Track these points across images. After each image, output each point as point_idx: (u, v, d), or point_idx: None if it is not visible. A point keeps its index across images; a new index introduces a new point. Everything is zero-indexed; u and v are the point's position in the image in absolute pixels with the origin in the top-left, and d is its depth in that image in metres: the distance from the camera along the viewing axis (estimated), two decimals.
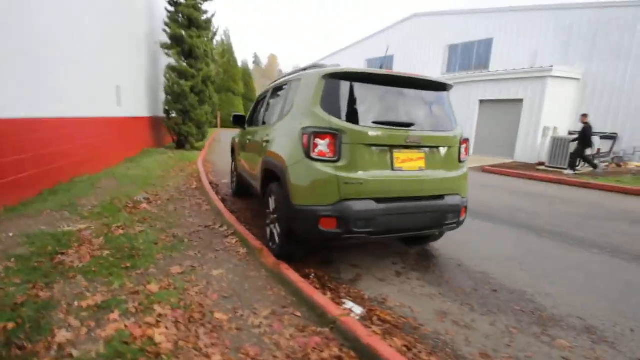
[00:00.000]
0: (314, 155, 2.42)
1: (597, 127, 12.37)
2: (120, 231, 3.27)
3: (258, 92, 37.94)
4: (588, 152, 9.56)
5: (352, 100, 2.51)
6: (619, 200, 6.32)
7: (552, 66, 11.98)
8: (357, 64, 23.32)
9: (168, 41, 9.37)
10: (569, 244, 3.78)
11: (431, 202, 2.70)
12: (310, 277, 2.70)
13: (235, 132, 6.02)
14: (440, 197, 2.77)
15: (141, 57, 8.61)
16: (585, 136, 9.16)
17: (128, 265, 2.54)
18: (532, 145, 12.19)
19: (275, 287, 2.44)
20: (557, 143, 10.46)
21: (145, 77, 8.94)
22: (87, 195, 4.34)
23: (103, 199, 4.31)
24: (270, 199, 3.07)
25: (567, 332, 2.15)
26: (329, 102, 2.52)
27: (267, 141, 3.19)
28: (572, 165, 9.38)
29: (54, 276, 2.30)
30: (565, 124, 12.76)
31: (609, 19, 12.37)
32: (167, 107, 9.60)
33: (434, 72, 18.58)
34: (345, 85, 2.53)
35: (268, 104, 3.83)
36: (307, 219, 2.45)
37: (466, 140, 2.94)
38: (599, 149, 11.01)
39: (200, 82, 9.65)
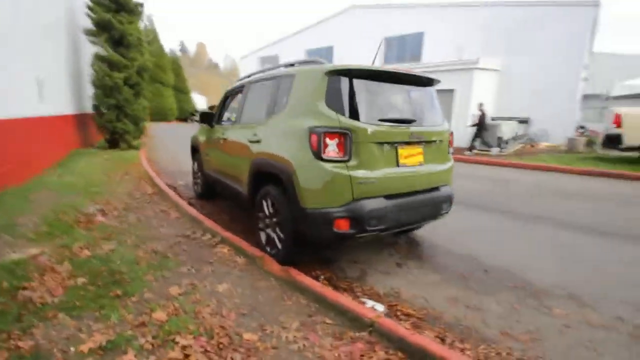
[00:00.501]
0: (325, 156, 2.34)
1: (513, 112, 14.21)
2: (86, 252, 2.80)
3: (190, 83, 35.35)
4: (487, 135, 11.20)
5: (357, 98, 2.46)
6: (548, 178, 7.35)
7: (478, 58, 13.30)
8: (297, 55, 23.09)
9: (93, 27, 8.14)
10: (524, 221, 4.28)
11: (430, 194, 2.82)
12: (320, 279, 2.64)
13: (174, 128, 5.53)
14: (437, 188, 2.91)
15: (61, 45, 7.34)
16: (481, 122, 10.89)
17: (118, 292, 2.19)
18: (464, 131, 13.50)
19: (292, 296, 2.33)
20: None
21: (68, 69, 7.68)
22: (23, 213, 3.61)
23: (45, 214, 3.63)
24: (265, 202, 2.90)
25: (557, 301, 2.45)
26: (334, 100, 2.44)
27: (256, 141, 2.99)
28: (471, 148, 11.08)
29: (28, 319, 1.87)
30: (489, 111, 14.35)
31: (523, 16, 14.12)
32: (96, 103, 8.40)
33: (374, 63, 19.27)
34: (349, 82, 2.47)
35: (244, 101, 3.58)
36: (320, 222, 2.37)
37: (452, 134, 3.11)
38: (516, 132, 12.66)
39: (135, 74, 8.61)
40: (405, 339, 1.78)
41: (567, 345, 1.97)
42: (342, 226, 2.37)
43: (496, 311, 2.32)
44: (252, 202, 3.18)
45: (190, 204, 4.58)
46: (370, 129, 2.42)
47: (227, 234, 3.28)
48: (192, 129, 11.59)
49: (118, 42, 8.28)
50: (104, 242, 3.07)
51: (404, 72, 2.67)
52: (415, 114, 2.78)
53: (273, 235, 2.85)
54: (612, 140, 7.98)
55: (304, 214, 2.41)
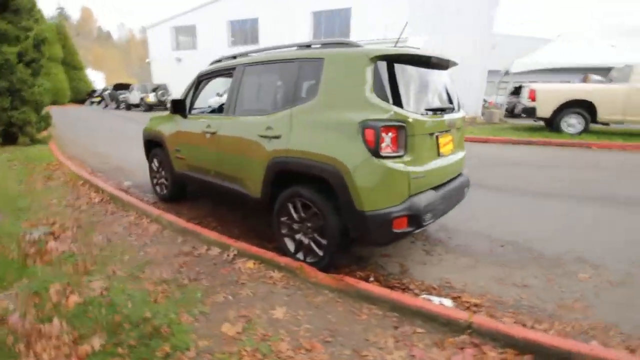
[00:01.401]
0: (383, 152, 2.12)
1: None
2: (75, 298, 2.11)
3: (81, 55, 29.57)
4: None
5: (404, 86, 2.26)
6: (485, 149, 8.23)
7: (407, 38, 13.91)
8: (218, 27, 21.10)
9: None
10: (491, 190, 4.71)
11: (459, 181, 2.84)
12: (370, 280, 2.49)
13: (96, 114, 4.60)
14: (461, 174, 2.95)
15: None
16: None
17: (166, 349, 1.69)
18: None
19: (362, 308, 2.13)
20: None
21: None
22: None
23: None
24: (291, 206, 2.57)
25: (575, 266, 2.74)
26: (383, 88, 2.20)
27: (275, 136, 2.57)
28: None
29: None
30: None
31: None
32: None
33: (302, 38, 18.70)
34: (396, 68, 2.24)
35: (239, 86, 3.04)
36: (381, 224, 2.19)
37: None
38: None
39: (32, 48, 6.73)
40: (514, 336, 1.77)
41: (615, 304, 2.20)
42: (401, 225, 2.23)
43: (538, 285, 2.49)
44: (267, 206, 2.80)
45: (163, 210, 3.87)
46: (423, 120, 2.27)
47: (241, 244, 2.85)
48: (97, 114, 9.89)
49: (2, 6, 6.29)
50: (87, 279, 2.37)
51: (441, 57, 2.54)
52: (448, 100, 2.71)
53: (307, 241, 2.56)
54: (528, 112, 9.28)
55: (363, 217, 2.18)
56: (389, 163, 2.14)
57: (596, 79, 9.74)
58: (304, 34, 19.20)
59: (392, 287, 2.43)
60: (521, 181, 5.22)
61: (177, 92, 21.84)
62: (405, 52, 2.26)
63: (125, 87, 22.18)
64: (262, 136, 2.68)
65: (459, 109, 2.97)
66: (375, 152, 2.11)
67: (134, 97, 19.76)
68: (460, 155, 2.91)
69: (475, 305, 2.23)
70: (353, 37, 17.79)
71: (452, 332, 1.91)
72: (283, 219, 2.70)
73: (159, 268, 2.59)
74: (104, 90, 24.12)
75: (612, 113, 8.37)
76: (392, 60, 2.23)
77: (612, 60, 10.91)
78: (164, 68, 23.99)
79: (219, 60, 3.53)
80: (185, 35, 23.17)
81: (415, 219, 2.26)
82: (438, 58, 2.52)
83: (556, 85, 9.56)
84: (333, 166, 2.22)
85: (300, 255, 2.64)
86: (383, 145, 2.11)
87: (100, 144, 8.40)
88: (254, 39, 20.75)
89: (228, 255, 2.77)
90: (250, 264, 2.64)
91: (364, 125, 2.12)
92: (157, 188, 4.44)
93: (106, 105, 22.70)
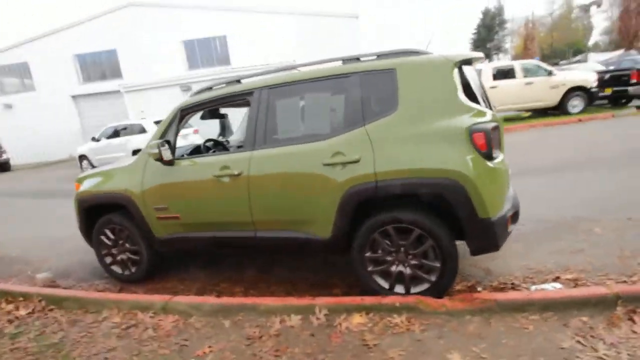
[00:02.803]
0: (494, 154, 2.08)
1: None
2: None
3: None
4: None
5: (474, 87, 2.29)
6: None
7: (294, 60, 14.53)
8: (62, 62, 17.41)
9: None
10: None
11: None
12: (479, 290, 2.39)
13: None
14: None
15: None
16: None
17: None
18: None
19: (518, 319, 1.99)
20: None
21: None
22: None
23: None
24: (379, 236, 2.25)
25: (584, 224, 3.27)
26: (469, 92, 2.19)
27: (352, 161, 2.21)
28: None
29: None
30: None
31: (314, 25, 16.42)
32: None
33: (175, 68, 17.28)
34: (465, 71, 2.25)
35: (265, 113, 2.50)
36: (503, 227, 2.13)
37: None
38: None
39: None
40: None
41: None
42: (511, 223, 2.24)
43: (586, 247, 2.83)
44: (340, 246, 2.38)
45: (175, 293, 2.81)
46: (499, 117, 2.34)
47: (324, 299, 2.31)
48: None
49: None
50: None
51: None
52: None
53: (409, 270, 2.27)
54: None
55: (489, 224, 2.07)
56: (498, 164, 2.12)
57: None
58: (177, 63, 17.77)
59: (504, 289, 2.39)
60: None
61: (13, 146, 16.84)
62: (476, 55, 2.29)
63: None
64: (328, 165, 2.26)
65: None
66: (488, 155, 2.06)
67: None
68: None
69: (574, 280, 2.40)
70: (234, 64, 17.50)
71: (608, 308, 1.98)
72: (368, 254, 2.33)
73: None
74: None
75: None
76: (467, 64, 2.24)
77: None
78: None
79: (208, 89, 2.85)
80: (13, 76, 18.17)
81: (517, 214, 2.30)
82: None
83: None
84: (449, 178, 2.04)
85: (399, 289, 2.32)
86: (494, 146, 2.07)
87: None
88: (115, 73, 17.97)
89: (318, 319, 2.20)
90: (357, 318, 2.15)
91: (473, 130, 2.04)
92: (117, 268, 3.22)
93: None
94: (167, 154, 2.63)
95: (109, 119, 16.84)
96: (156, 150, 2.58)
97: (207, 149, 3.34)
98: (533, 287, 2.38)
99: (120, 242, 3.14)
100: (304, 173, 2.34)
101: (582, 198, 3.93)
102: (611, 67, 11.55)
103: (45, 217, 6.38)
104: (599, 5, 25.02)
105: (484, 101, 2.26)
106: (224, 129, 4.03)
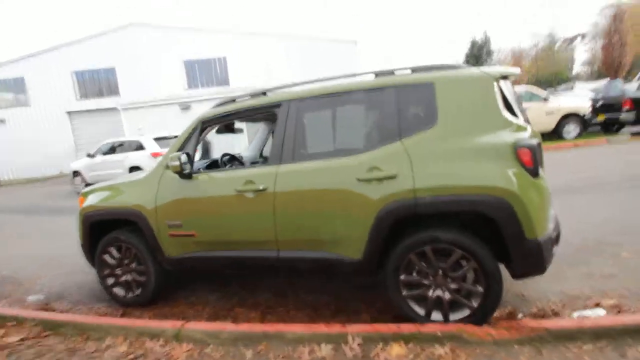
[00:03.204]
0: (540, 170, 2.00)
1: None
2: None
3: None
4: None
5: (514, 102, 2.24)
6: None
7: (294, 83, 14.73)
8: (59, 79, 17.32)
9: None
10: None
11: None
12: (519, 317, 2.24)
13: None
14: None
15: None
16: None
17: None
18: None
19: (570, 349, 1.84)
20: None
21: None
22: None
23: None
24: (415, 257, 2.11)
25: (609, 248, 3.18)
26: (509, 106, 2.13)
27: (387, 177, 2.10)
28: None
29: None
30: None
31: (311, 48, 16.81)
32: None
33: (174, 87, 17.34)
34: (505, 86, 2.20)
35: (291, 128, 2.39)
36: (549, 248, 2.02)
37: None
38: None
39: None
40: None
41: None
42: (555, 244, 2.13)
43: (617, 272, 2.74)
44: (370, 267, 2.23)
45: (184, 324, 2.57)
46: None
47: (357, 327, 2.13)
48: None
49: None
50: None
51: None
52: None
53: (448, 296, 2.12)
54: None
55: (537, 245, 1.95)
56: (542, 182, 2.04)
57: None
58: (177, 82, 17.85)
59: (545, 317, 2.25)
60: None
61: (3, 160, 16.36)
62: (510, 70, 2.26)
63: None
64: (363, 180, 2.15)
65: None
66: (535, 172, 1.97)
67: None
68: None
69: (616, 306, 2.27)
70: (233, 84, 17.67)
71: None
72: (403, 276, 2.18)
73: None
74: None
75: None
76: (504, 78, 2.20)
77: None
78: None
79: (232, 101, 2.75)
80: (8, 91, 17.93)
81: (559, 235, 2.20)
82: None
83: None
84: (495, 196, 1.93)
85: (436, 316, 2.16)
86: (540, 164, 1.99)
87: None
88: (113, 90, 17.91)
89: (352, 349, 2.00)
90: (395, 349, 1.96)
91: (519, 146, 1.96)
92: (119, 290, 2.98)
93: None
94: (187, 167, 2.49)
95: (104, 135, 16.64)
96: (177, 163, 2.43)
97: (225, 164, 3.20)
98: (575, 314, 2.24)
99: (126, 261, 2.92)
100: (336, 189, 2.21)
101: (599, 221, 3.87)
102: (600, 95, 11.97)
103: (35, 234, 6.05)
104: (583, 38, 26.31)
105: (521, 115, 2.20)
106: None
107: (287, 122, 2.42)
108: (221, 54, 17.76)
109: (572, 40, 25.75)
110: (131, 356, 2.19)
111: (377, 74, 2.38)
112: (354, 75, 2.50)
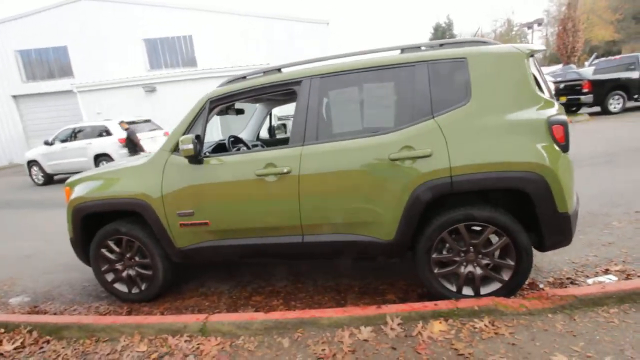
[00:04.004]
0: (569, 146, 2.05)
1: None
2: None
3: None
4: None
5: (541, 79, 2.26)
6: None
7: (268, 64, 14.20)
8: (3, 58, 15.44)
9: None
10: None
11: None
12: (540, 287, 2.35)
13: None
14: None
15: None
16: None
17: None
18: None
19: (601, 313, 1.95)
20: None
21: None
22: None
23: None
24: (449, 236, 2.12)
25: (602, 218, 3.42)
26: (537, 84, 2.14)
27: (422, 156, 2.05)
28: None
29: None
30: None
31: (284, 29, 16.21)
32: None
33: (135, 68, 16.10)
34: (532, 63, 2.21)
35: (315, 106, 2.26)
36: (575, 222, 2.10)
37: None
38: None
39: None
40: None
41: None
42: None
43: (615, 240, 2.94)
44: (403, 248, 2.22)
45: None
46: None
47: (394, 307, 2.11)
48: None
49: None
50: None
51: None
52: None
53: (478, 271, 2.16)
54: None
55: (566, 219, 2.02)
56: (570, 157, 2.09)
57: None
58: (137, 63, 16.57)
59: (563, 285, 2.37)
60: None
61: None
62: (538, 47, 2.26)
63: None
64: (396, 160, 2.09)
65: None
66: (566, 148, 2.02)
67: None
68: None
69: (623, 271, 2.45)
70: (201, 65, 16.72)
71: None
72: (435, 255, 2.18)
73: None
74: None
75: None
76: (532, 55, 2.20)
77: None
78: None
79: (242, 78, 2.54)
80: None
81: (577, 210, 2.29)
82: None
83: None
84: (531, 171, 1.96)
85: (467, 291, 2.20)
86: (569, 138, 2.04)
87: None
88: (66, 71, 16.28)
89: (393, 329, 1.99)
90: (436, 326, 1.97)
91: (552, 122, 1.98)
92: (121, 286, 2.75)
93: None
94: (199, 151, 2.29)
95: (58, 121, 15.16)
96: (190, 146, 2.22)
97: (231, 147, 2.99)
98: (590, 280, 2.39)
99: (128, 255, 2.69)
100: (367, 169, 2.14)
101: (581, 194, 4.13)
102: (559, 78, 12.72)
103: (3, 230, 5.44)
104: (539, 24, 27.66)
105: (547, 92, 2.23)
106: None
107: (310, 100, 2.28)
108: (186, 32, 16.64)
109: (529, 26, 26.94)
110: (154, 355, 2.03)
111: (404, 49, 2.30)
112: (375, 51, 2.39)
